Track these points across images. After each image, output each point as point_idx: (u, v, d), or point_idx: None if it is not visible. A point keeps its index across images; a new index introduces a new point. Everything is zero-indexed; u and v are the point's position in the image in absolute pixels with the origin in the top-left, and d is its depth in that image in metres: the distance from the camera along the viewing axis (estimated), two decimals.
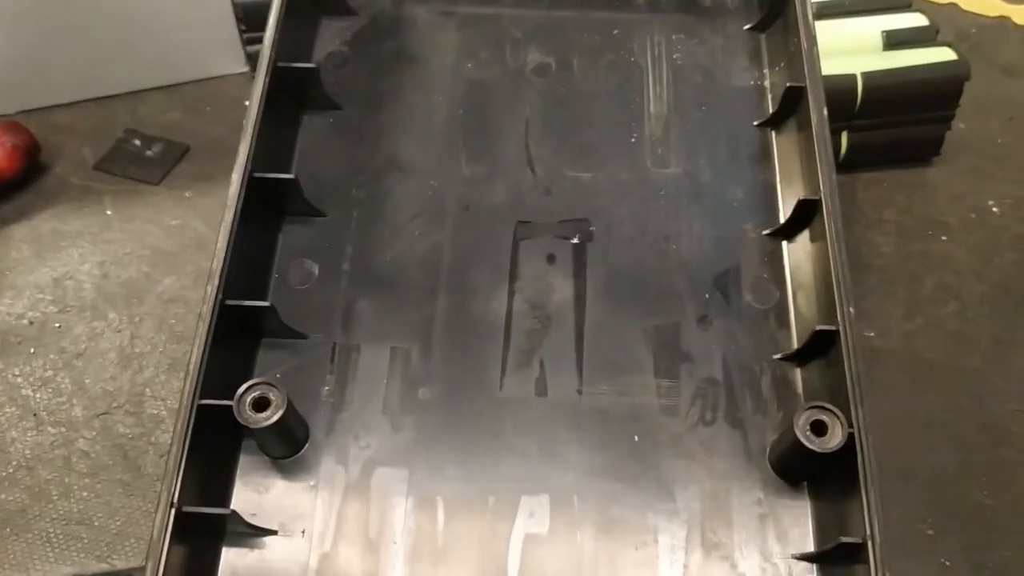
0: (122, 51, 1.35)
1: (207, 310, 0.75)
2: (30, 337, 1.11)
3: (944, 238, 1.21)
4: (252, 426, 0.71)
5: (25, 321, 1.12)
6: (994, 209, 1.25)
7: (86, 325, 1.12)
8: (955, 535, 0.94)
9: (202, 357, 0.73)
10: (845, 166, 1.25)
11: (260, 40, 0.91)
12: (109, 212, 1.24)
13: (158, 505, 0.68)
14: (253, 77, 0.87)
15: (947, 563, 0.93)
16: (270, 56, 0.89)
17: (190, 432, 0.70)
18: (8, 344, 1.10)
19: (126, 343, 1.10)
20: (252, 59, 1.39)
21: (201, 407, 0.72)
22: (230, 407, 0.71)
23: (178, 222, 1.23)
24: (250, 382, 0.72)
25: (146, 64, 1.38)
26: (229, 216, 0.80)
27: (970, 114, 1.31)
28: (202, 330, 0.74)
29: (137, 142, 1.33)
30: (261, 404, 0.72)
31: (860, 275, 1.14)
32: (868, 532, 0.66)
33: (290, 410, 0.72)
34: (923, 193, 1.27)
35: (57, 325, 1.12)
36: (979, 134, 1.35)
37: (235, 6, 1.34)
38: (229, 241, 0.78)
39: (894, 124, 1.24)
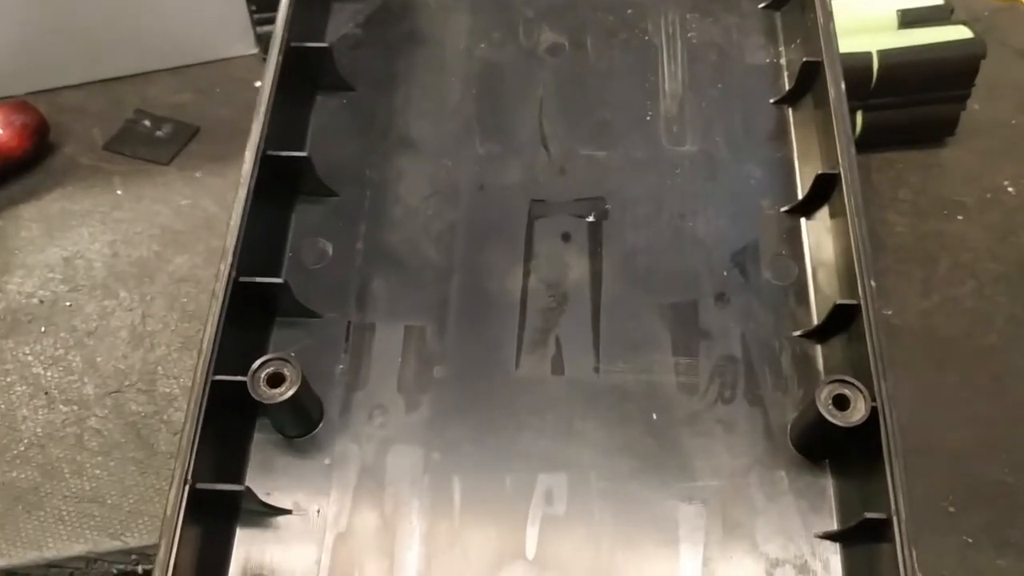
0: (131, 32, 1.35)
1: (220, 287, 0.75)
2: (41, 316, 1.10)
3: (960, 218, 1.21)
4: (266, 402, 0.70)
5: (36, 300, 1.12)
6: (1009, 189, 1.25)
7: (97, 304, 1.11)
8: (977, 512, 0.94)
9: (216, 333, 0.73)
10: (860, 146, 1.22)
11: (269, 22, 0.92)
12: (119, 192, 1.24)
13: (172, 482, 0.67)
14: (263, 59, 0.87)
15: (970, 540, 0.92)
16: (283, 36, 0.88)
17: (204, 408, 0.70)
18: (19, 323, 1.10)
19: (137, 322, 1.09)
20: (261, 41, 1.38)
21: (215, 383, 0.71)
22: (244, 383, 0.71)
23: (188, 202, 1.22)
24: (265, 357, 0.72)
25: (155, 45, 1.37)
26: (242, 194, 0.79)
27: (984, 96, 1.30)
28: (215, 307, 0.74)
29: (147, 123, 1.33)
30: (276, 380, 0.71)
31: (876, 254, 1.12)
32: (893, 507, 0.65)
33: (305, 386, 0.72)
34: (938, 173, 1.26)
35: (68, 304, 1.11)
36: (993, 115, 1.34)
37: None
38: (242, 219, 0.78)
39: (909, 103, 1.23)
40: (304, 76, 0.92)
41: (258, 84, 0.87)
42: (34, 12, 1.28)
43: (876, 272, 1.04)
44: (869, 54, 1.18)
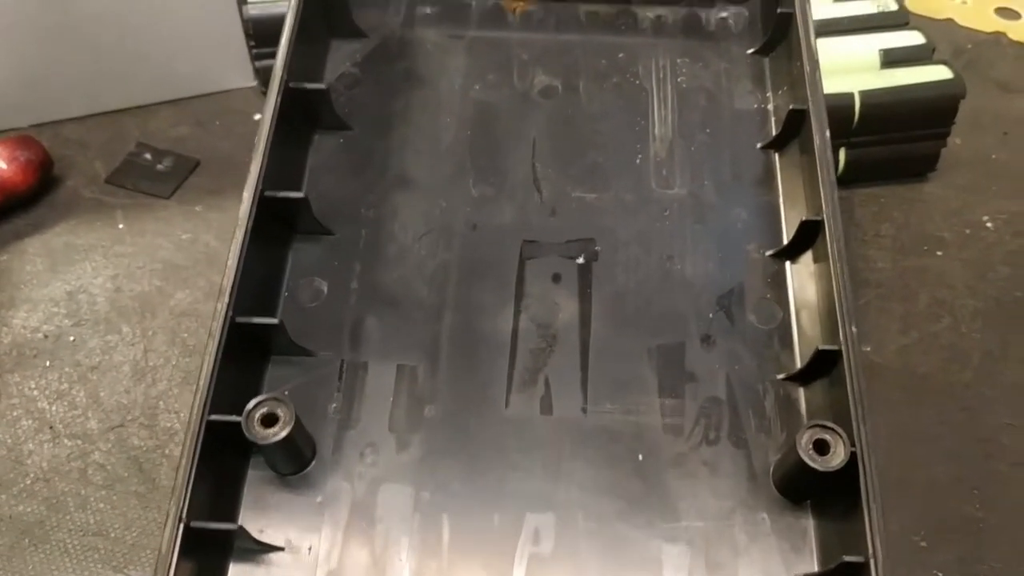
0: (132, 65, 1.37)
1: (217, 327, 0.76)
2: (45, 350, 1.12)
3: (939, 253, 1.23)
4: (260, 442, 0.72)
5: (40, 335, 1.13)
6: (988, 224, 1.27)
7: (100, 339, 1.13)
8: (948, 547, 0.96)
9: (211, 374, 0.75)
10: (843, 182, 1.26)
11: (268, 55, 0.93)
12: (121, 226, 1.26)
13: (167, 520, 0.69)
14: (262, 92, 0.88)
15: (940, 574, 0.94)
16: (282, 77, 0.90)
17: (199, 448, 0.72)
18: (24, 357, 1.11)
19: (140, 356, 1.11)
20: (260, 74, 1.40)
21: (210, 423, 0.73)
22: (239, 423, 0.72)
23: (189, 236, 1.24)
24: (259, 398, 0.73)
25: (156, 78, 1.39)
26: (240, 234, 0.81)
27: (966, 130, 1.33)
28: (212, 347, 0.76)
29: (148, 156, 1.34)
30: (269, 420, 0.73)
31: (857, 290, 1.15)
32: (871, 551, 0.67)
33: (298, 426, 0.74)
34: (919, 208, 1.28)
35: (72, 338, 1.13)
36: (974, 150, 1.36)
37: (244, 21, 1.35)
38: (239, 259, 0.80)
39: (891, 141, 1.26)
40: (302, 116, 0.94)
41: (257, 117, 0.88)
42: (36, 45, 1.30)
43: (857, 308, 1.07)
44: (851, 94, 1.20)
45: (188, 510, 0.69)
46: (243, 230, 0.81)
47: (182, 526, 0.69)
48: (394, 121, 0.98)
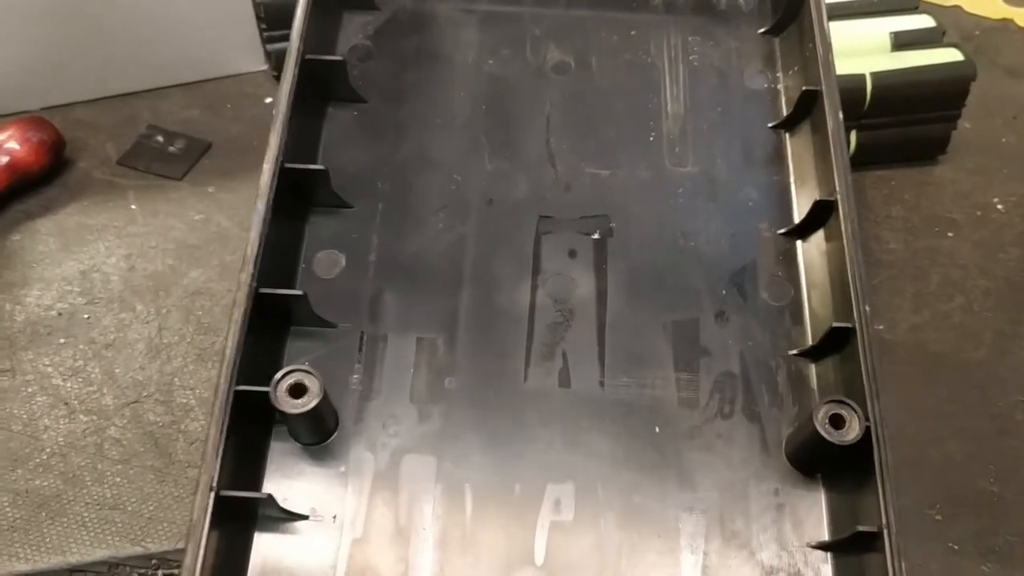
0: (143, 49, 1.37)
1: (242, 297, 0.76)
2: (59, 328, 1.12)
3: (950, 234, 1.24)
4: (289, 412, 0.72)
5: (54, 312, 1.14)
6: (999, 206, 1.28)
7: (114, 316, 1.13)
8: (963, 521, 0.97)
9: (238, 344, 0.75)
10: (854, 164, 1.24)
11: (280, 39, 0.92)
12: (133, 206, 1.26)
13: (197, 489, 0.69)
14: (273, 75, 0.87)
15: (955, 548, 0.95)
16: (299, 48, 0.90)
17: (227, 418, 0.72)
18: (38, 335, 1.11)
19: (154, 334, 1.11)
20: (271, 57, 1.40)
21: (238, 393, 0.73)
22: (266, 393, 0.72)
23: (202, 217, 1.24)
24: (287, 368, 0.73)
25: (167, 62, 1.40)
26: (261, 205, 0.81)
27: (975, 114, 1.34)
28: (237, 317, 0.76)
29: (159, 138, 1.35)
30: (298, 390, 0.73)
31: (869, 270, 1.15)
32: (884, 521, 0.68)
33: (325, 397, 0.74)
34: (930, 191, 1.29)
35: (86, 316, 1.13)
36: (984, 133, 1.37)
37: (255, 5, 1.35)
38: (262, 230, 0.80)
39: (902, 123, 1.26)
40: (317, 88, 0.94)
41: (268, 100, 0.88)
42: (48, 29, 1.30)
43: (869, 289, 1.08)
44: (863, 76, 1.21)
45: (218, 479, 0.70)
46: (265, 201, 0.81)
47: (213, 494, 0.69)
48: (408, 94, 0.98)
